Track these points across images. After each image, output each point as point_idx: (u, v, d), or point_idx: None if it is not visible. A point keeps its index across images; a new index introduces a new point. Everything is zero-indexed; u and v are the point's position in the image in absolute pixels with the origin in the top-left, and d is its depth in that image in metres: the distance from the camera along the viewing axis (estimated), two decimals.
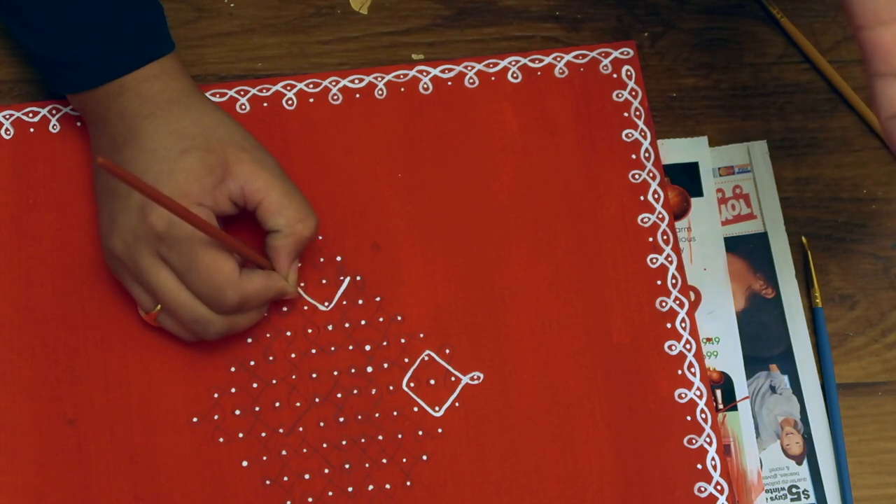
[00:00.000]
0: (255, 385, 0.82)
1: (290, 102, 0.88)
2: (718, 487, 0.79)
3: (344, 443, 0.80)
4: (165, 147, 0.78)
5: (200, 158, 0.77)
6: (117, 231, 0.77)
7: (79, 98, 0.82)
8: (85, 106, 0.82)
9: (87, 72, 0.80)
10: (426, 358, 0.82)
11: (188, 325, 0.78)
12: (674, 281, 0.84)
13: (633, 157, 0.87)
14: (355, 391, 0.81)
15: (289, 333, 0.83)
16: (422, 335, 0.83)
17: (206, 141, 0.78)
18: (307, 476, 0.80)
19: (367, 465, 0.80)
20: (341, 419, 0.81)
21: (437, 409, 0.81)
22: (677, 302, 0.83)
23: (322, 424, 0.81)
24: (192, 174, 0.77)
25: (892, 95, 0.58)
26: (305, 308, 0.83)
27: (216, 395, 0.81)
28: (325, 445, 0.80)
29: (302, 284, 0.84)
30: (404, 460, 0.80)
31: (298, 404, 0.81)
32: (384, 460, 0.80)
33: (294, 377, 0.82)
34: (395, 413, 0.81)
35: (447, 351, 0.82)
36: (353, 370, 0.82)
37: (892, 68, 0.57)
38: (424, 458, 0.80)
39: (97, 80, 0.80)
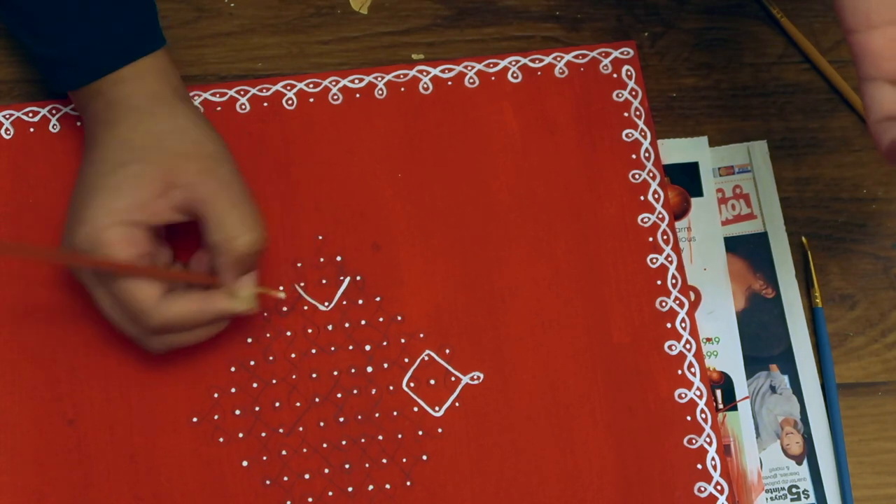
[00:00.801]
0: (255, 385, 0.82)
1: (290, 102, 0.88)
2: (718, 487, 0.79)
3: (344, 443, 0.80)
4: (107, 159, 0.77)
5: (136, 172, 0.75)
6: (62, 245, 0.78)
7: (73, 97, 0.82)
8: (77, 105, 0.83)
9: (65, 72, 0.80)
10: (426, 358, 0.82)
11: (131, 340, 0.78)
12: (674, 281, 0.84)
13: (633, 157, 0.87)
14: (355, 391, 0.81)
15: (289, 333, 0.83)
16: (422, 335, 0.83)
17: (149, 153, 0.76)
18: (307, 476, 0.80)
19: (367, 465, 0.80)
20: (341, 419, 0.81)
21: (437, 409, 0.81)
22: (677, 302, 0.83)
23: (322, 424, 0.81)
24: (122, 190, 0.75)
25: (881, 99, 0.57)
26: (305, 308, 0.83)
27: (216, 395, 0.81)
28: (325, 445, 0.80)
29: (302, 284, 0.84)
30: (404, 460, 0.80)
31: (298, 404, 0.81)
32: (384, 460, 0.80)
33: (294, 377, 0.82)
34: (395, 413, 0.81)
35: (447, 351, 0.82)
36: (353, 370, 0.82)
37: (882, 72, 0.57)
38: (424, 458, 0.80)
39: (74, 82, 0.79)
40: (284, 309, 0.83)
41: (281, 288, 0.83)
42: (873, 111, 0.57)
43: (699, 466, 0.80)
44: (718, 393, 0.82)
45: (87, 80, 0.79)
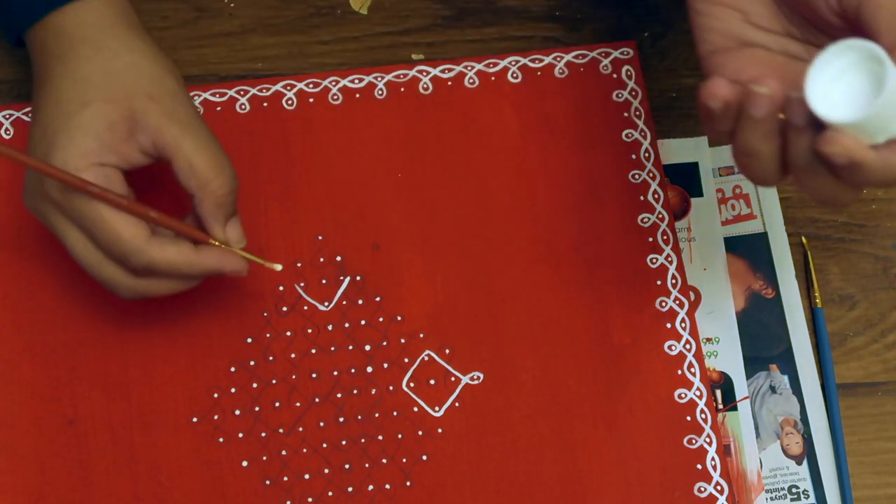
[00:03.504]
0: (255, 385, 0.82)
1: (290, 102, 0.88)
2: (718, 487, 0.79)
3: (344, 443, 0.80)
4: (68, 98, 0.74)
5: (100, 112, 0.73)
6: (26, 190, 0.76)
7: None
8: (28, 43, 0.79)
9: (11, 12, 0.77)
10: (426, 358, 0.82)
11: (102, 285, 0.76)
12: (674, 281, 0.84)
13: (633, 157, 0.87)
14: (355, 391, 0.81)
15: (289, 333, 0.83)
16: (422, 335, 0.83)
17: (109, 90, 0.74)
18: (307, 476, 0.80)
19: (367, 465, 0.80)
20: (341, 419, 0.81)
21: (437, 409, 0.81)
22: (677, 302, 0.83)
23: (322, 424, 0.81)
24: (90, 131, 0.73)
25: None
26: (305, 308, 0.83)
27: (216, 395, 0.81)
28: (325, 445, 0.80)
29: (302, 284, 0.84)
30: (404, 460, 0.80)
31: (298, 404, 0.81)
32: (384, 460, 0.80)
33: (294, 377, 0.82)
34: (395, 413, 0.81)
35: (447, 351, 0.82)
36: (352, 370, 0.82)
37: (724, 76, 0.67)
38: (424, 458, 0.80)
39: (23, 20, 0.77)
40: (284, 309, 0.83)
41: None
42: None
43: (699, 466, 0.80)
44: (718, 393, 0.82)
45: (37, 16, 0.76)
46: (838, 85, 0.63)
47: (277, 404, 0.81)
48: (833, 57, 0.63)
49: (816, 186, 0.65)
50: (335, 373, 0.82)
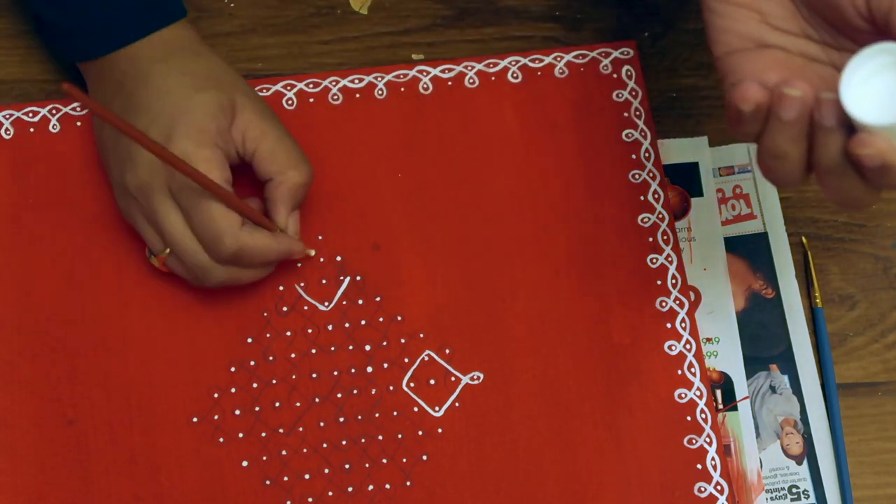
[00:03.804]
0: (255, 385, 0.82)
1: (290, 102, 0.88)
2: (718, 487, 0.79)
3: (344, 443, 0.80)
4: (180, 85, 0.79)
5: (215, 97, 0.79)
6: (132, 167, 0.78)
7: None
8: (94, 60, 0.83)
9: (98, 39, 0.81)
10: (426, 358, 0.82)
11: (191, 271, 0.79)
12: (674, 281, 0.84)
13: (633, 157, 0.87)
14: (355, 391, 0.81)
15: (289, 333, 0.83)
16: (422, 335, 0.83)
17: (219, 82, 0.80)
18: (307, 476, 0.80)
19: (367, 465, 0.80)
20: (341, 419, 0.81)
21: (437, 409, 0.81)
22: (677, 302, 0.83)
23: (322, 424, 0.81)
24: (208, 112, 0.78)
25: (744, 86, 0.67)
26: (305, 308, 0.83)
27: (216, 395, 0.81)
28: (325, 445, 0.80)
29: (302, 284, 0.84)
30: (404, 460, 0.80)
31: (298, 404, 0.81)
32: (384, 460, 0.80)
33: (294, 377, 0.82)
34: (395, 413, 0.81)
35: (447, 351, 0.82)
36: (353, 370, 0.82)
37: (743, 76, 0.68)
38: (424, 458, 0.80)
39: (112, 46, 0.81)
40: (284, 309, 0.83)
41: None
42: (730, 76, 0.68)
43: (699, 466, 0.80)
44: (718, 393, 0.82)
45: (139, 35, 0.81)
46: (870, 87, 0.63)
47: (277, 404, 0.81)
48: (866, 60, 0.63)
49: (842, 188, 0.65)
50: (335, 373, 0.82)
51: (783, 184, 0.67)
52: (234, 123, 0.79)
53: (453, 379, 0.82)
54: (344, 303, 0.83)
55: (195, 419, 0.81)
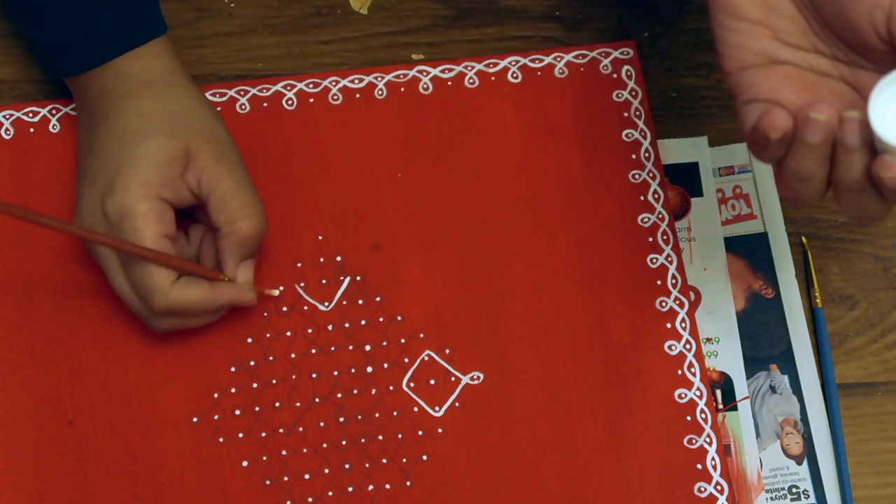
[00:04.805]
0: (255, 385, 0.82)
1: (290, 102, 0.88)
2: (718, 487, 0.79)
3: (344, 443, 0.80)
4: (130, 131, 0.78)
5: (162, 145, 0.77)
6: (79, 213, 0.79)
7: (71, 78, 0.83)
8: (73, 82, 0.83)
9: (72, 57, 0.81)
10: (426, 358, 0.82)
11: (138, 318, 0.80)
12: (674, 281, 0.84)
13: (633, 157, 0.87)
14: (355, 391, 0.81)
15: (289, 333, 0.83)
16: (422, 335, 0.83)
17: (172, 126, 0.78)
18: (307, 476, 0.80)
19: (367, 465, 0.80)
20: (341, 419, 0.81)
21: (437, 409, 0.81)
22: (677, 302, 0.83)
23: (322, 424, 0.81)
24: (153, 162, 0.77)
25: (756, 110, 0.68)
26: (305, 308, 0.83)
27: (216, 395, 0.81)
28: (325, 445, 0.80)
29: (302, 284, 0.84)
30: (404, 460, 0.80)
31: (298, 404, 0.81)
32: (384, 460, 0.80)
33: (294, 377, 0.82)
34: (395, 413, 0.81)
35: (447, 351, 0.82)
36: (353, 370, 0.82)
37: (756, 96, 0.68)
38: (424, 458, 0.80)
39: (82, 65, 0.80)
40: (284, 309, 0.83)
41: (280, 288, 0.83)
42: (748, 120, 0.68)
43: (699, 466, 0.80)
44: (718, 393, 0.82)
45: (103, 59, 0.80)
46: (894, 108, 0.63)
47: (277, 404, 0.81)
48: (892, 81, 0.64)
49: (860, 205, 0.66)
50: (335, 373, 0.82)
51: (804, 203, 0.68)
52: (189, 168, 0.78)
53: (453, 379, 0.82)
54: (344, 303, 0.83)
55: (195, 419, 0.81)
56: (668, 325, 0.83)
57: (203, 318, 0.80)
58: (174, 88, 0.81)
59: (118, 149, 0.78)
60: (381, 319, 0.83)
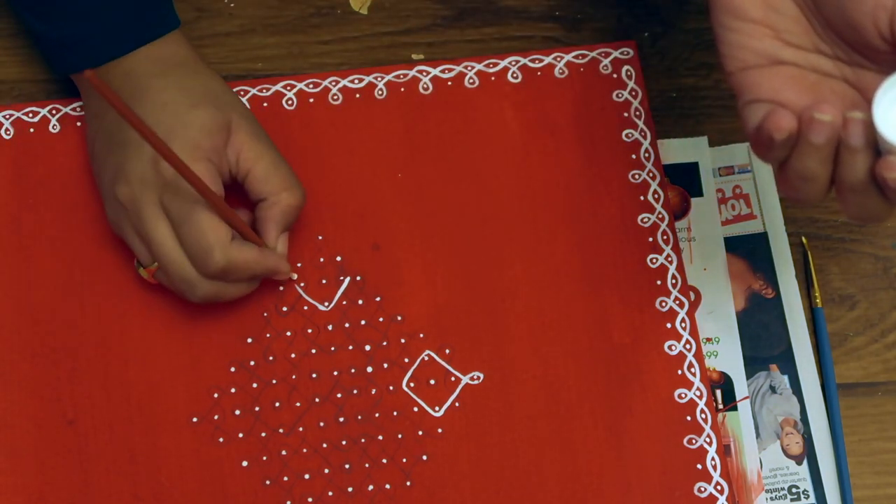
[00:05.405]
0: (255, 385, 0.82)
1: (290, 102, 0.88)
2: (718, 487, 0.79)
3: (344, 443, 0.80)
4: (176, 101, 0.79)
5: (211, 115, 0.79)
6: (124, 178, 0.78)
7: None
8: (96, 73, 0.83)
9: (90, 51, 0.81)
10: (426, 358, 0.82)
11: (176, 284, 0.79)
12: (674, 281, 0.84)
13: (633, 157, 0.87)
14: (355, 391, 0.81)
15: (289, 333, 0.83)
16: (422, 335, 0.83)
17: (216, 100, 0.80)
18: (307, 476, 0.80)
19: (367, 465, 0.80)
20: (341, 419, 0.81)
21: (437, 409, 0.81)
22: (677, 302, 0.83)
23: (322, 424, 0.81)
24: (203, 129, 0.78)
25: (758, 111, 0.68)
26: (305, 308, 0.83)
27: (216, 395, 0.81)
28: (325, 445, 0.80)
29: (302, 284, 0.84)
30: (404, 460, 0.80)
31: (298, 404, 0.81)
32: (384, 460, 0.80)
33: (294, 377, 0.82)
34: (395, 413, 0.81)
35: (447, 351, 0.82)
36: (353, 370, 0.82)
37: (757, 97, 0.68)
38: (424, 458, 0.80)
39: (101, 59, 0.81)
40: (284, 309, 0.83)
41: (295, 275, 0.83)
42: (750, 121, 0.68)
43: (699, 466, 0.80)
44: (718, 393, 0.82)
45: (131, 47, 0.81)
46: None
47: (277, 404, 0.81)
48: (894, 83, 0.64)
49: (863, 205, 0.66)
50: (335, 373, 0.82)
51: (807, 203, 0.68)
52: (230, 143, 0.80)
53: (453, 379, 0.82)
54: (344, 303, 0.83)
55: (195, 419, 0.81)
56: (668, 325, 0.83)
57: (243, 286, 0.80)
58: (206, 70, 0.83)
59: (165, 118, 0.78)
60: (381, 319, 0.83)
